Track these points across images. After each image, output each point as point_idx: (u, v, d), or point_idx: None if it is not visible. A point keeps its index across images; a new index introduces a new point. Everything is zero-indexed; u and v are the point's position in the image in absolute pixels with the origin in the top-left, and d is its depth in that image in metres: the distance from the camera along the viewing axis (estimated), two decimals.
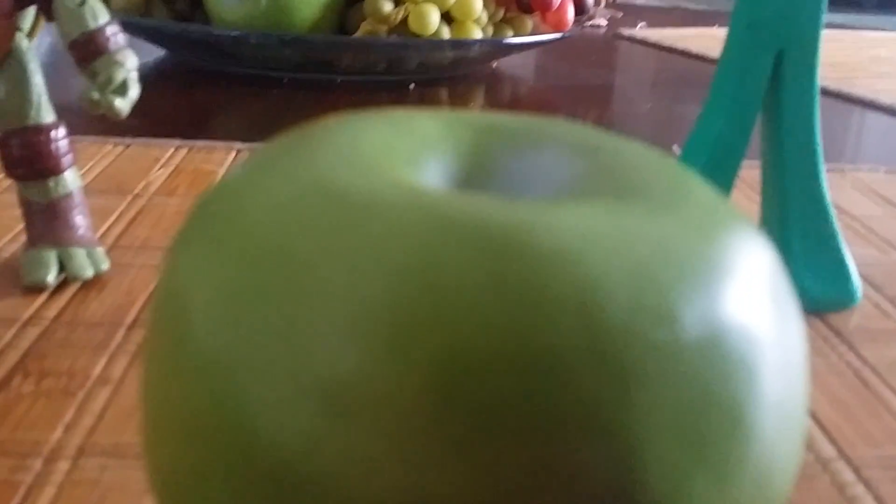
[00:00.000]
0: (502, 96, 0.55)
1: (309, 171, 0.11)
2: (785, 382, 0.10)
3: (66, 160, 0.24)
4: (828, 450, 0.19)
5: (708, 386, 0.10)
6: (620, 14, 0.71)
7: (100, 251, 0.24)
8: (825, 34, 0.24)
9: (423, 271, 0.09)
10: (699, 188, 0.12)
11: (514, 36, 0.56)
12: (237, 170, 0.12)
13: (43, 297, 0.23)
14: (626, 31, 0.77)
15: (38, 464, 0.17)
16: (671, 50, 0.71)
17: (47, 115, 0.24)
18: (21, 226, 0.25)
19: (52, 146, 0.24)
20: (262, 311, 0.10)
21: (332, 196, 0.10)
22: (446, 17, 0.52)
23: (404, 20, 0.50)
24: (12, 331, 0.21)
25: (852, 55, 0.72)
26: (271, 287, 0.10)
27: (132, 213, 0.29)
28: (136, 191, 0.31)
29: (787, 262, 0.25)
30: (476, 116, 0.13)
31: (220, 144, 0.37)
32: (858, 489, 0.18)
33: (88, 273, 0.24)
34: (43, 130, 0.24)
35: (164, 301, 0.11)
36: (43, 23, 0.24)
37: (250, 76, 0.51)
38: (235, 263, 0.10)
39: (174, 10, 0.53)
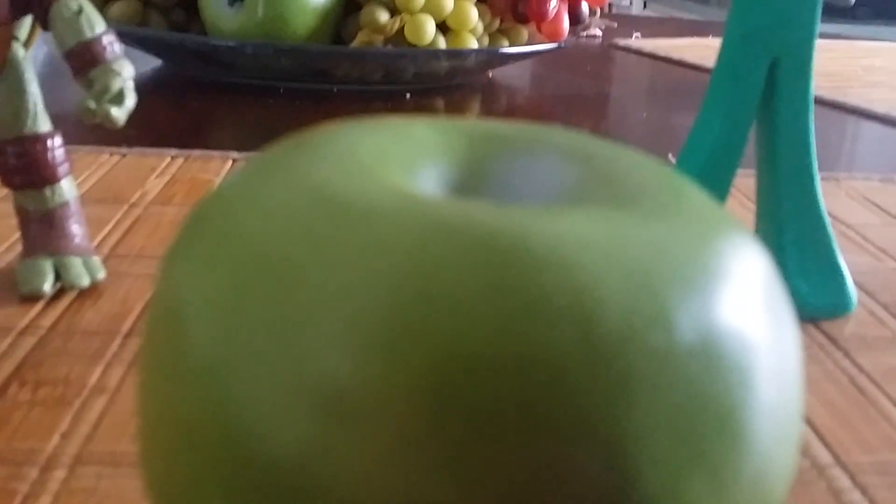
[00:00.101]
0: (498, 106, 0.55)
1: (305, 178, 0.11)
2: (780, 387, 0.10)
3: (63, 169, 0.24)
4: (824, 456, 0.19)
5: (703, 390, 0.10)
6: (615, 24, 0.71)
7: (96, 260, 0.24)
8: (819, 44, 0.24)
9: (419, 277, 0.09)
10: (694, 194, 0.12)
11: (509, 46, 0.56)
12: (233, 177, 0.12)
13: (39, 305, 0.23)
14: (622, 42, 0.77)
15: (34, 472, 0.17)
16: (666, 60, 0.72)
17: (43, 125, 0.24)
18: (17, 235, 0.25)
19: (49, 155, 0.24)
20: (258, 319, 0.10)
21: (328, 203, 0.10)
22: (442, 28, 0.52)
23: (400, 30, 0.50)
24: (8, 340, 0.21)
25: (847, 65, 0.73)
26: (267, 294, 0.10)
27: (128, 222, 0.29)
28: (132, 200, 0.31)
29: (783, 270, 0.25)
30: (472, 124, 0.13)
31: (216, 154, 0.37)
32: (855, 495, 0.18)
33: (85, 282, 0.24)
34: (39, 139, 0.24)
35: (160, 309, 0.11)
36: (39, 32, 0.24)
37: (247, 86, 0.51)
38: (231, 271, 0.10)
39: (170, 21, 0.53)
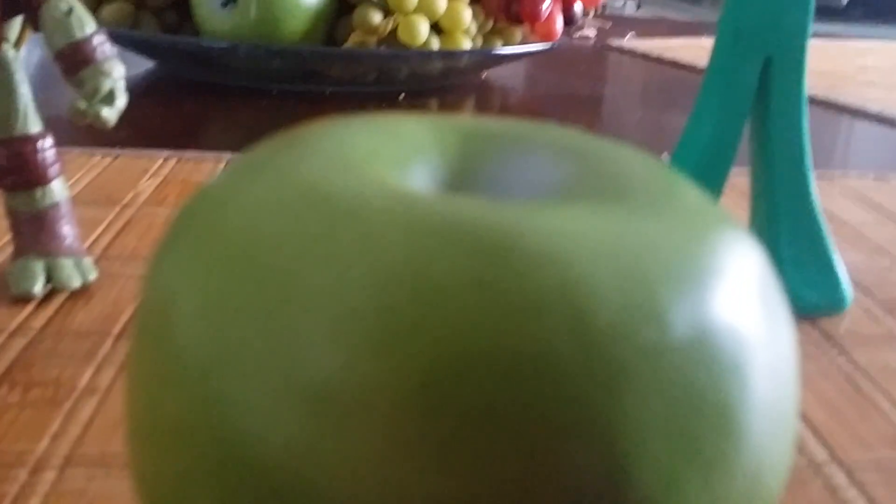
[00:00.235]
0: (492, 106, 0.55)
1: (294, 175, 0.11)
2: (775, 383, 0.10)
3: (53, 170, 0.24)
4: (820, 453, 0.19)
5: (697, 386, 0.10)
6: (609, 25, 0.71)
7: (87, 261, 0.24)
8: (813, 44, 0.24)
9: (410, 274, 0.09)
10: (687, 190, 0.12)
11: (503, 47, 0.56)
12: (221, 176, 0.12)
13: (30, 307, 0.23)
14: (615, 42, 0.77)
15: (23, 474, 0.16)
16: (659, 60, 0.72)
17: (34, 125, 0.24)
18: (8, 236, 0.25)
19: (39, 156, 0.24)
20: (246, 317, 0.10)
21: (318, 200, 0.10)
22: (436, 28, 0.52)
23: (393, 31, 0.50)
24: None
25: (840, 64, 0.73)
26: (255, 292, 0.10)
27: (121, 223, 0.29)
28: (124, 201, 0.31)
29: (778, 268, 0.25)
30: (463, 121, 0.13)
31: (209, 155, 0.37)
32: (851, 492, 0.18)
33: (76, 283, 0.24)
34: (30, 140, 0.23)
35: (147, 308, 0.11)
36: (29, 33, 0.24)
37: (239, 87, 0.51)
38: (219, 269, 0.10)
39: (163, 22, 0.53)
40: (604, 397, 0.09)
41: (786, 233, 0.25)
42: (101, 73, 0.22)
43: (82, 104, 0.22)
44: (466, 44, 0.53)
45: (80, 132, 0.37)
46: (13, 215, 0.24)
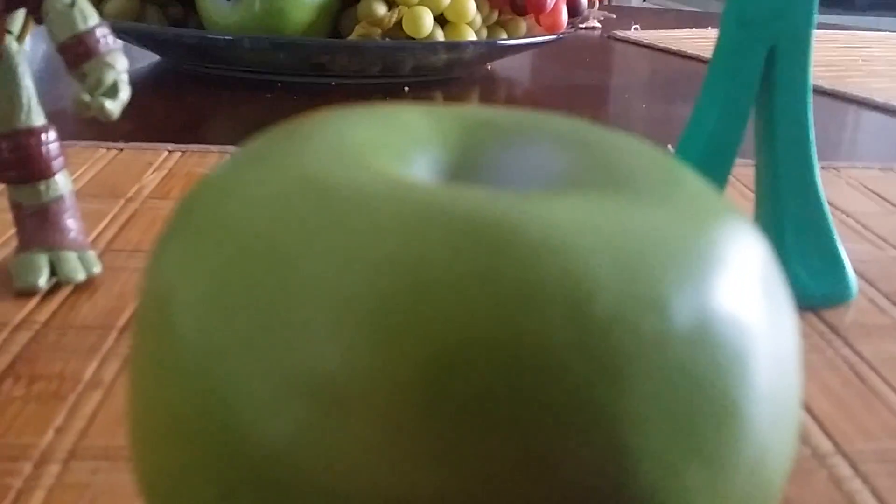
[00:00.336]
0: (497, 98, 0.55)
1: (295, 165, 0.11)
2: (777, 373, 0.10)
3: (57, 163, 0.24)
4: (825, 444, 0.19)
5: (699, 376, 0.10)
6: (614, 16, 0.71)
7: (91, 255, 0.24)
8: (818, 34, 0.24)
9: (411, 264, 0.09)
10: (690, 180, 0.12)
11: (508, 38, 0.56)
12: (222, 166, 0.12)
13: (34, 300, 0.23)
14: (620, 33, 0.77)
15: (28, 467, 0.16)
16: (665, 51, 0.71)
17: (38, 119, 0.24)
18: (12, 230, 0.25)
19: (43, 149, 0.24)
20: (247, 308, 0.10)
21: (319, 190, 0.10)
22: (440, 20, 0.52)
23: (398, 23, 0.50)
24: (3, 335, 0.21)
25: (846, 54, 0.72)
26: (256, 283, 0.10)
27: (125, 216, 0.29)
28: (129, 194, 0.31)
29: (783, 259, 0.25)
30: (465, 111, 0.13)
31: (213, 148, 0.37)
32: (856, 483, 0.18)
33: (80, 276, 0.24)
34: (33, 133, 0.23)
35: (149, 300, 0.11)
36: (32, 25, 0.24)
37: (244, 80, 0.51)
38: (220, 260, 0.10)
39: (167, 15, 0.53)
40: (605, 387, 0.09)
41: (791, 224, 0.25)
42: (105, 66, 0.22)
43: (86, 97, 0.22)
44: (471, 35, 0.52)
45: (84, 125, 0.37)
46: (17, 209, 0.24)
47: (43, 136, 0.24)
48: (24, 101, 0.23)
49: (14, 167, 0.24)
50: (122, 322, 0.22)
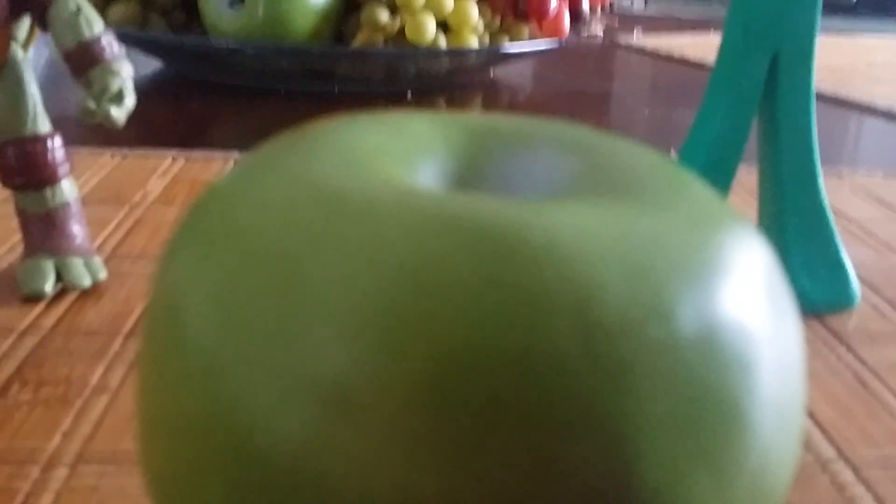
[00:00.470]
0: (500, 104, 0.55)
1: (303, 172, 0.11)
2: (782, 378, 0.10)
3: (63, 170, 0.24)
4: (827, 450, 0.19)
5: (704, 382, 0.10)
6: (617, 22, 0.71)
7: (97, 260, 0.24)
8: (821, 39, 0.24)
9: (418, 270, 0.09)
10: (694, 186, 0.12)
11: (510, 44, 0.56)
12: (230, 173, 0.12)
13: (40, 306, 0.23)
14: (623, 40, 0.77)
15: (35, 471, 0.17)
16: (667, 58, 0.71)
17: (43, 125, 0.24)
18: (18, 236, 0.25)
19: (49, 156, 0.24)
20: (255, 313, 0.10)
21: (326, 196, 0.10)
22: (443, 27, 0.52)
23: (401, 30, 0.50)
24: (10, 340, 0.21)
25: (849, 60, 0.73)
26: (265, 288, 0.10)
27: (130, 222, 0.29)
28: (133, 200, 0.31)
29: (786, 265, 0.25)
30: (470, 118, 0.13)
31: (217, 154, 0.37)
32: (858, 489, 0.18)
33: (86, 282, 0.24)
34: (39, 140, 0.24)
35: (158, 305, 0.11)
36: (38, 33, 0.24)
37: (247, 87, 0.51)
38: (229, 265, 0.10)
39: (171, 22, 0.53)
40: (610, 393, 0.09)
41: (794, 230, 0.25)
42: (110, 73, 0.22)
43: (91, 104, 0.22)
44: (474, 42, 0.53)
45: (88, 132, 0.37)
46: (23, 215, 0.24)
47: (49, 143, 0.24)
48: (30, 107, 0.24)
49: (20, 174, 0.24)
50: (127, 327, 0.22)
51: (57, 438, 0.18)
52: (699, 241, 0.10)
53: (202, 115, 0.47)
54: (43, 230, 0.24)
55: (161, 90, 0.52)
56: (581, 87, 0.61)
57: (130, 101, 0.22)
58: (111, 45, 0.22)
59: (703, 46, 0.74)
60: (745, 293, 0.10)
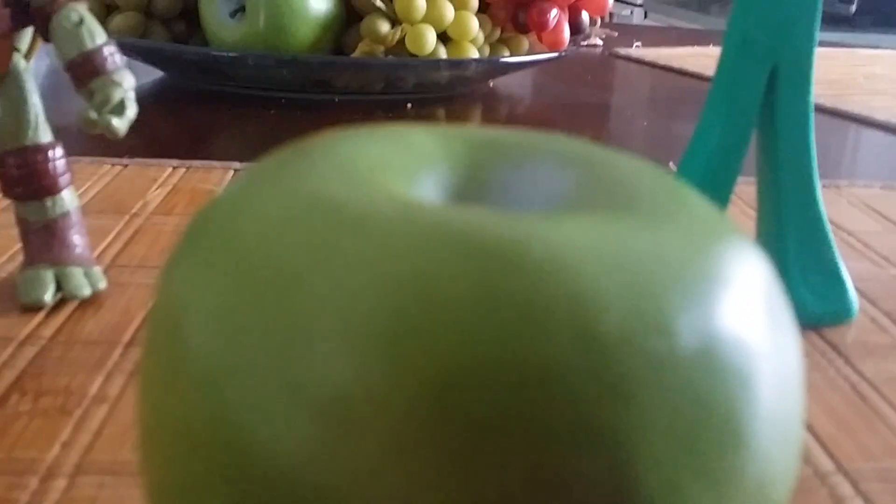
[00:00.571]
0: (499, 115, 0.55)
1: (304, 185, 0.11)
2: (781, 393, 0.10)
3: (64, 180, 0.24)
4: (826, 463, 0.19)
5: (703, 396, 0.10)
6: (616, 34, 0.71)
7: (97, 270, 0.24)
8: (820, 52, 0.24)
9: (419, 284, 0.09)
10: (694, 200, 0.12)
11: (510, 55, 0.56)
12: (232, 185, 0.12)
13: (40, 316, 0.23)
14: (622, 51, 0.77)
15: (34, 482, 0.17)
16: (666, 69, 0.72)
17: (44, 135, 0.24)
18: (18, 245, 0.25)
19: (50, 165, 0.24)
20: (257, 326, 0.10)
21: (328, 210, 0.10)
22: (443, 38, 0.52)
23: (401, 40, 0.50)
24: (9, 350, 0.21)
25: (847, 72, 0.73)
26: (267, 301, 0.10)
27: (130, 232, 0.29)
28: (133, 210, 0.31)
29: (784, 277, 0.25)
30: (471, 131, 0.13)
31: (217, 164, 0.37)
32: (856, 503, 0.18)
33: (86, 292, 0.24)
34: (40, 150, 0.24)
35: (160, 316, 0.11)
36: (40, 43, 0.24)
37: (248, 96, 0.51)
38: (231, 278, 0.10)
39: (172, 32, 0.53)
40: (611, 407, 0.09)
41: (792, 242, 0.25)
42: (112, 84, 0.22)
43: (93, 114, 0.22)
44: (473, 53, 0.53)
45: (88, 141, 0.37)
46: (23, 224, 0.24)
47: (50, 153, 0.24)
48: (32, 117, 0.24)
49: (21, 183, 0.24)
50: (127, 337, 0.22)
51: (56, 449, 0.18)
52: (699, 255, 0.10)
53: (202, 125, 0.47)
54: (43, 240, 0.24)
55: (161, 100, 0.52)
56: (580, 98, 0.61)
57: (132, 111, 0.22)
58: (113, 56, 0.22)
59: (703, 58, 0.74)
60: (745, 307, 0.10)
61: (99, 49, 0.22)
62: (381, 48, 0.50)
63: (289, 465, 0.09)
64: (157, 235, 0.29)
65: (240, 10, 0.50)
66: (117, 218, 0.30)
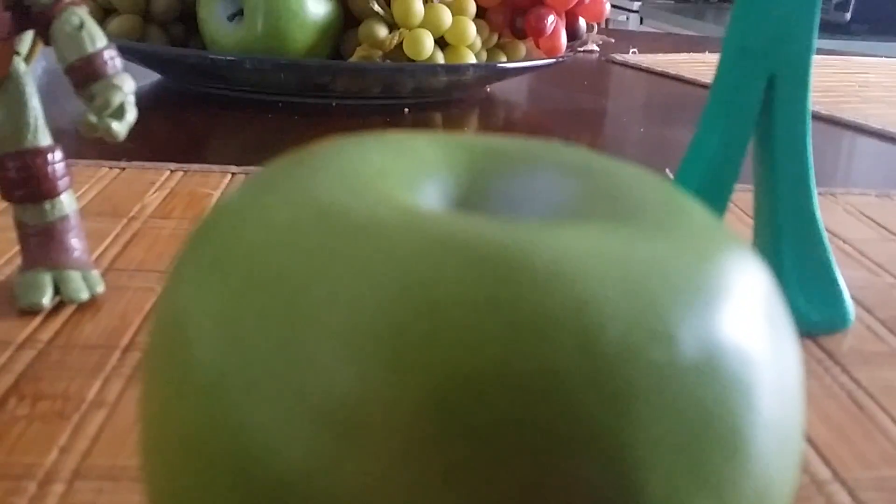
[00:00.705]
0: (496, 120, 0.55)
1: (307, 193, 0.11)
2: (781, 402, 0.11)
3: (63, 183, 0.24)
4: (823, 472, 0.19)
5: (705, 405, 0.10)
6: (612, 40, 0.71)
7: (95, 274, 0.24)
8: (815, 59, 0.24)
9: (421, 292, 0.09)
10: (694, 209, 0.12)
11: (507, 61, 0.56)
12: (236, 192, 0.12)
13: (38, 319, 0.23)
14: (619, 57, 0.77)
15: (32, 487, 0.17)
16: (663, 75, 0.72)
17: (44, 139, 0.24)
18: (16, 248, 0.25)
19: (49, 169, 0.24)
20: (261, 333, 0.10)
21: (330, 218, 0.10)
22: (440, 43, 0.52)
23: (399, 45, 0.50)
24: (7, 353, 0.21)
25: (842, 80, 0.73)
26: (270, 309, 0.10)
27: (127, 236, 0.29)
28: (131, 214, 0.31)
29: (781, 285, 0.25)
30: (472, 139, 0.13)
31: (215, 168, 0.37)
32: None
33: (84, 296, 0.24)
34: (40, 153, 0.24)
35: (163, 323, 0.11)
36: (40, 47, 0.24)
37: (246, 100, 0.51)
38: (235, 285, 0.10)
39: (170, 35, 0.53)
40: (612, 416, 0.09)
41: (789, 250, 0.25)
42: (112, 87, 0.22)
43: (93, 118, 0.22)
44: (471, 58, 0.53)
45: (85, 144, 0.37)
46: (22, 228, 0.24)
47: (49, 156, 0.24)
48: (31, 121, 0.24)
49: (20, 187, 0.24)
50: (125, 341, 0.22)
51: (54, 454, 0.18)
52: (699, 264, 0.11)
53: (200, 129, 0.47)
54: (41, 243, 0.24)
55: (159, 103, 0.52)
56: (577, 103, 0.61)
57: (132, 115, 0.22)
58: (113, 60, 0.22)
59: (698, 64, 0.74)
60: (745, 316, 0.10)
61: (99, 53, 0.22)
62: (379, 53, 0.50)
63: (292, 473, 0.09)
64: (154, 239, 0.29)
65: (238, 14, 0.50)
66: (115, 221, 0.30)
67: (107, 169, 0.36)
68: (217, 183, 0.36)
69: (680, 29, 1.83)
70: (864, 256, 0.32)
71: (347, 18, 0.52)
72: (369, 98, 0.52)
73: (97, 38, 0.22)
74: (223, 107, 0.50)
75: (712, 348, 0.10)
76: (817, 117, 0.56)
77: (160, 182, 0.35)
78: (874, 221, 0.36)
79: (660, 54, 0.80)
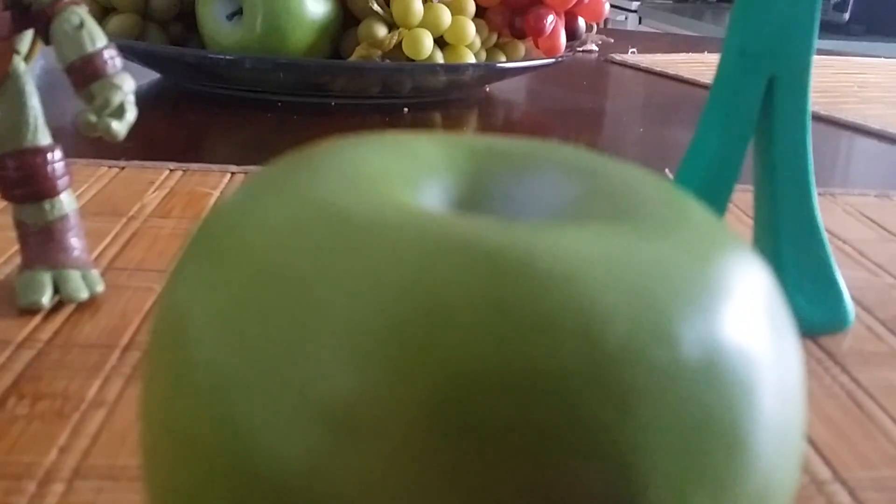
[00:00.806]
0: (495, 120, 0.55)
1: (309, 193, 0.11)
2: (782, 402, 0.11)
3: (62, 182, 0.24)
4: (823, 472, 0.19)
5: (707, 406, 0.10)
6: (612, 40, 0.71)
7: (94, 273, 0.24)
8: (815, 60, 0.24)
9: (423, 293, 0.09)
10: (695, 210, 0.12)
11: (506, 61, 0.56)
12: (237, 193, 0.12)
13: (37, 319, 0.23)
14: (618, 57, 0.77)
15: (32, 486, 0.16)
16: (662, 75, 0.72)
17: (44, 138, 0.24)
18: (15, 248, 0.25)
19: (49, 168, 0.24)
20: (262, 333, 0.10)
21: (332, 218, 0.10)
22: (440, 42, 0.52)
23: (398, 45, 0.50)
24: (6, 353, 0.21)
25: (841, 81, 0.73)
26: (272, 309, 0.10)
27: (127, 235, 0.29)
28: (130, 213, 0.31)
29: (780, 286, 0.25)
30: (474, 140, 0.13)
31: (214, 167, 0.37)
32: None
33: (83, 295, 0.24)
34: (39, 153, 0.24)
35: (165, 322, 0.11)
36: (40, 46, 0.24)
37: (245, 99, 0.51)
38: (236, 285, 0.10)
39: (169, 34, 0.53)
40: (614, 417, 0.09)
41: (788, 251, 0.25)
42: (112, 87, 0.22)
43: (92, 117, 0.22)
44: (470, 58, 0.53)
45: (85, 144, 0.37)
46: (21, 227, 0.24)
47: (49, 156, 0.24)
48: (31, 120, 0.24)
49: (20, 186, 0.24)
50: (124, 340, 0.22)
51: (53, 453, 0.18)
52: (701, 265, 0.11)
53: (199, 127, 0.47)
54: (41, 242, 0.24)
55: (158, 101, 0.52)
56: (576, 103, 0.61)
57: (132, 114, 0.22)
58: (113, 60, 0.22)
59: (697, 64, 0.74)
60: (747, 317, 0.10)
61: (99, 52, 0.22)
62: (378, 52, 0.50)
63: (293, 473, 0.09)
64: (154, 238, 0.29)
65: (237, 13, 0.50)
66: (114, 220, 0.30)
67: (106, 168, 0.36)
68: (216, 182, 0.36)
69: (678, 29, 1.83)
70: (863, 257, 0.32)
71: (347, 18, 0.52)
72: (368, 97, 0.52)
73: (97, 38, 0.22)
74: (222, 106, 0.50)
75: (714, 349, 0.10)
76: (816, 117, 0.57)
77: (159, 181, 0.35)
78: (873, 222, 0.36)
79: (659, 54, 0.80)
